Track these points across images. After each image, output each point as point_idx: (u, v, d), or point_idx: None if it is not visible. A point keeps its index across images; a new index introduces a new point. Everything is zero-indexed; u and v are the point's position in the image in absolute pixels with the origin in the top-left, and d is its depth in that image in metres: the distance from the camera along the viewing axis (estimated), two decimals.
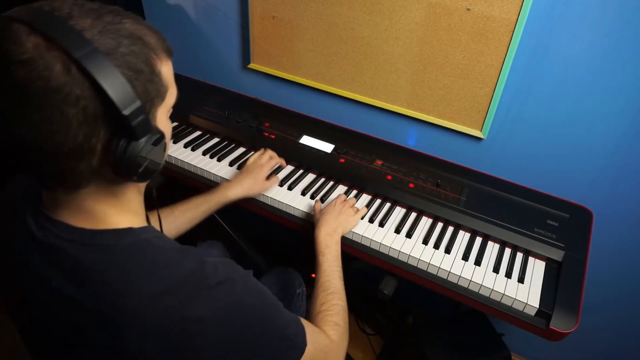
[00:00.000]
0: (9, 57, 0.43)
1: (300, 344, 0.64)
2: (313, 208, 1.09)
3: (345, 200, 1.07)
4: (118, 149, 0.49)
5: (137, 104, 0.48)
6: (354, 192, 1.19)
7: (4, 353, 1.62)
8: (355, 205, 1.10)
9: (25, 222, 0.56)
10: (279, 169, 1.24)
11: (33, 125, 0.44)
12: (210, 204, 1.04)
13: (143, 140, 0.50)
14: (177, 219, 0.99)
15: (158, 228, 0.91)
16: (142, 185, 0.62)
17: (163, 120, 0.57)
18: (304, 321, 0.68)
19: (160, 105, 0.55)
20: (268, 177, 1.15)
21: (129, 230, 0.56)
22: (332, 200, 1.07)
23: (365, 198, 1.17)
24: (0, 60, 0.43)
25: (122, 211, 0.57)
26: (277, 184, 1.18)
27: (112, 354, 0.53)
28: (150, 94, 0.51)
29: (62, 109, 0.44)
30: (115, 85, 0.45)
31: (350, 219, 1.03)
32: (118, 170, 0.51)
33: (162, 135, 0.54)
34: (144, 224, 0.60)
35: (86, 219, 0.55)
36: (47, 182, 0.52)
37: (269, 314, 0.61)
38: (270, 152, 1.20)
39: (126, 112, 0.47)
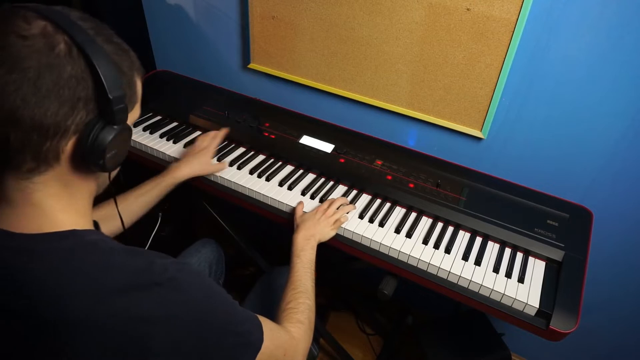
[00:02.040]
0: (15, 31, 0.47)
1: (255, 341, 0.64)
2: (295, 209, 1.10)
3: (326, 210, 1.07)
4: (93, 131, 0.52)
5: (121, 92, 0.52)
6: (354, 192, 1.19)
7: None
8: (343, 209, 1.09)
9: None
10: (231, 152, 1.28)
11: (19, 95, 0.46)
12: (162, 187, 1.07)
13: (118, 127, 0.54)
14: (132, 205, 1.01)
15: (114, 218, 0.90)
16: (95, 188, 0.62)
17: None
18: (262, 319, 0.68)
19: (131, 112, 0.58)
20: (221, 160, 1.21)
21: (72, 232, 0.54)
22: (314, 209, 1.08)
23: (365, 198, 1.17)
24: (4, 33, 0.47)
25: (69, 209, 0.56)
26: (271, 181, 1.19)
27: None
28: (128, 95, 0.55)
29: (52, 84, 0.47)
30: (107, 71, 0.50)
31: (327, 230, 1.04)
32: (85, 154, 0.53)
33: (130, 131, 0.58)
34: (88, 226, 0.59)
35: (29, 218, 0.53)
36: (9, 159, 0.50)
37: (220, 312, 0.61)
38: (213, 133, 1.24)
39: (112, 95, 0.51)
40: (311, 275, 0.93)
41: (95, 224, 0.66)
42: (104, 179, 0.63)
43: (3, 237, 0.52)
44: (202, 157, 1.15)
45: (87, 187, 0.59)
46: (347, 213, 1.09)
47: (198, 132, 1.37)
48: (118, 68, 0.53)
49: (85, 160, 0.54)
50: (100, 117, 0.52)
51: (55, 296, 0.50)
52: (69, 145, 0.52)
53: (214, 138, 1.23)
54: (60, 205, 0.55)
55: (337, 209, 1.08)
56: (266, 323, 0.68)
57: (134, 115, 0.60)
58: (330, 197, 1.15)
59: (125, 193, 1.02)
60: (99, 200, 0.93)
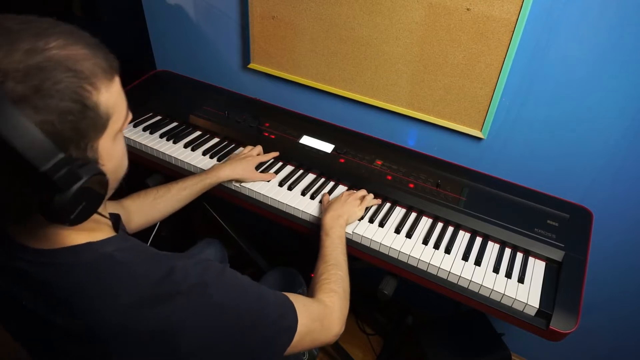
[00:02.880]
0: None
1: (289, 324, 0.65)
2: (322, 198, 1.13)
3: (352, 192, 1.11)
4: (42, 203, 0.44)
5: (59, 156, 0.42)
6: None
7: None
8: (364, 197, 1.12)
9: None
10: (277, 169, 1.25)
11: None
12: (204, 184, 1.08)
13: (73, 189, 0.44)
14: (174, 197, 1.03)
15: (152, 208, 0.94)
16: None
17: (107, 148, 0.50)
18: (293, 296, 0.68)
19: (101, 137, 0.49)
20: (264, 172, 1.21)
21: (87, 245, 0.53)
22: (340, 193, 1.11)
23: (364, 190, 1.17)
24: None
25: (78, 229, 0.53)
26: (271, 181, 1.19)
27: None
28: (83, 132, 0.45)
29: None
30: (27, 141, 0.39)
31: (356, 209, 1.06)
32: (50, 219, 0.46)
33: (98, 171, 0.47)
34: (106, 233, 0.57)
35: (41, 241, 0.52)
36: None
37: (249, 309, 0.60)
38: (258, 149, 1.25)
39: (45, 168, 0.41)
40: (342, 249, 0.93)
41: (116, 217, 0.65)
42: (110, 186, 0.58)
43: (21, 251, 0.52)
44: (247, 164, 1.16)
45: None
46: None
47: (198, 132, 1.37)
48: (50, 122, 0.41)
49: (58, 222, 0.48)
50: (43, 189, 0.43)
51: (81, 310, 0.50)
52: (36, 202, 0.45)
53: (263, 154, 1.23)
54: (66, 230, 0.53)
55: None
56: (297, 300, 0.69)
57: (114, 126, 0.50)
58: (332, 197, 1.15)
59: (168, 185, 1.04)
60: (136, 190, 0.97)
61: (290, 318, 0.65)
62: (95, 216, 0.53)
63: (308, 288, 0.86)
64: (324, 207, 1.08)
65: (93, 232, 0.56)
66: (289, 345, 0.64)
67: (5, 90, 0.38)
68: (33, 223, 0.51)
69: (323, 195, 1.13)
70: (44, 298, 0.52)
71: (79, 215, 0.48)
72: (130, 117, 0.54)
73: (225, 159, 1.23)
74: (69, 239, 0.53)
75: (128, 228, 0.86)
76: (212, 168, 1.13)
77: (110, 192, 0.56)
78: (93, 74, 0.45)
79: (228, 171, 1.12)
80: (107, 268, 0.53)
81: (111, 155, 0.52)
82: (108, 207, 0.62)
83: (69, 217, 0.46)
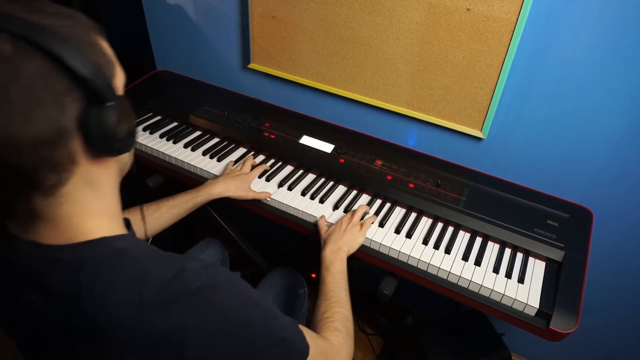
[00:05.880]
0: None
1: (300, 346, 0.63)
2: (318, 224, 1.09)
3: (350, 218, 1.06)
4: (91, 118, 0.47)
5: (94, 65, 0.46)
6: (354, 192, 1.19)
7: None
8: (366, 217, 1.09)
9: None
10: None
11: (6, 123, 0.42)
12: (197, 201, 1.06)
13: (113, 102, 0.49)
14: (164, 215, 1.01)
15: (140, 226, 0.92)
16: (118, 176, 0.58)
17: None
18: (301, 326, 0.67)
19: (114, 79, 0.52)
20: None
21: (102, 240, 0.53)
22: (338, 220, 1.07)
23: (365, 198, 1.17)
24: None
25: (98, 213, 0.54)
26: (271, 181, 1.19)
27: None
28: (101, 63, 0.49)
29: (25, 92, 0.42)
30: (67, 51, 0.44)
31: (356, 237, 1.02)
32: (99, 145, 0.49)
33: (127, 99, 0.52)
34: (119, 229, 0.58)
35: (57, 232, 0.52)
36: (30, 181, 0.47)
37: (259, 318, 0.58)
38: (252, 161, 1.22)
39: (87, 75, 0.45)
40: (344, 286, 0.90)
41: (127, 221, 0.65)
42: (125, 161, 0.60)
43: (33, 249, 0.52)
44: (240, 182, 1.14)
45: (110, 178, 0.56)
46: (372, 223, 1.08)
47: (198, 132, 1.37)
48: (75, 40, 0.46)
49: (101, 150, 0.50)
50: (90, 101, 0.47)
51: (91, 309, 0.50)
52: (77, 143, 0.48)
53: (257, 168, 1.21)
54: (88, 211, 0.53)
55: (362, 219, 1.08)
56: (306, 330, 0.67)
57: (119, 80, 0.53)
58: (352, 208, 1.12)
59: (158, 202, 1.02)
60: (128, 206, 0.94)
61: (300, 341, 0.63)
62: (110, 209, 0.56)
63: (310, 323, 0.83)
64: (322, 238, 1.04)
65: (110, 221, 0.56)
66: None
67: (26, 14, 0.44)
68: (61, 200, 0.50)
69: (320, 219, 1.09)
70: (53, 296, 0.51)
71: (125, 138, 0.51)
72: (123, 77, 0.56)
73: (219, 175, 1.20)
74: (87, 228, 0.53)
75: None
76: (205, 185, 1.10)
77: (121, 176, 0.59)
78: (89, 25, 0.50)
79: (221, 188, 1.10)
80: (121, 264, 0.52)
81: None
82: None
83: (117, 137, 0.50)
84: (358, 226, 1.04)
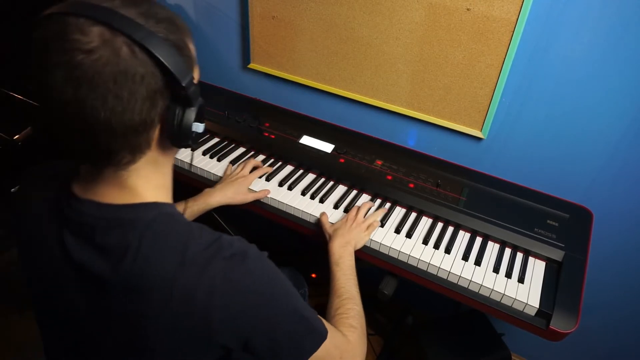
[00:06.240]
0: (78, 47, 0.46)
1: (320, 329, 0.64)
2: (320, 220, 1.08)
3: (355, 217, 1.06)
4: (176, 117, 0.55)
5: (190, 74, 0.54)
6: (354, 192, 1.19)
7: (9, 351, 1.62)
8: (369, 214, 1.09)
9: (56, 204, 0.60)
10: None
11: (107, 108, 0.48)
12: (193, 211, 1.05)
13: (195, 107, 0.56)
14: None
15: None
16: (174, 160, 0.67)
17: None
18: (319, 316, 0.68)
19: (194, 76, 0.59)
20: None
21: (155, 204, 0.59)
22: (343, 218, 1.07)
23: (365, 198, 1.17)
24: (69, 51, 0.46)
25: (155, 186, 0.61)
26: (271, 181, 1.18)
27: (134, 324, 0.56)
28: (191, 66, 0.57)
29: (130, 88, 0.49)
30: (173, 61, 0.51)
31: (362, 235, 1.03)
32: (175, 137, 0.56)
33: (204, 107, 0.61)
34: (169, 200, 0.64)
35: (118, 194, 0.58)
36: (110, 158, 0.54)
37: (285, 292, 0.62)
38: (253, 162, 1.21)
39: (184, 82, 0.53)
40: (354, 282, 0.90)
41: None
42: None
43: (92, 207, 0.57)
44: (238, 186, 1.13)
45: (171, 160, 0.64)
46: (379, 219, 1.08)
47: None
48: (177, 47, 0.53)
49: (174, 142, 0.58)
50: (176, 100, 0.55)
51: (139, 262, 0.54)
52: (156, 133, 0.56)
53: (257, 170, 1.20)
54: (148, 184, 0.60)
55: (366, 215, 1.08)
56: (323, 321, 0.68)
57: (196, 74, 0.61)
58: (355, 205, 1.12)
59: None
60: None
61: (320, 325, 0.65)
62: (165, 184, 0.63)
63: None
64: (327, 233, 1.04)
65: (164, 192, 0.63)
66: (312, 354, 0.62)
67: (142, 20, 0.51)
68: (130, 172, 0.57)
69: (322, 215, 1.09)
70: (102, 251, 0.56)
71: (197, 135, 0.59)
72: (199, 74, 0.62)
73: (220, 177, 1.20)
74: (144, 195, 0.59)
75: None
76: (203, 194, 1.09)
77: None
78: (184, 28, 0.57)
79: (218, 197, 1.09)
80: (169, 225, 0.58)
81: None
82: None
83: (191, 134, 0.57)
84: (363, 225, 1.04)
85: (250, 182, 1.16)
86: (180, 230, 0.58)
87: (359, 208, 1.08)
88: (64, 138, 0.52)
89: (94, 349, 0.62)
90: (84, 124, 0.49)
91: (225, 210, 1.22)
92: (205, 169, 1.23)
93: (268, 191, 1.15)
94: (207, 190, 1.11)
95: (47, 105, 0.49)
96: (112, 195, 0.58)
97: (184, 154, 1.27)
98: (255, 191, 1.14)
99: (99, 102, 0.48)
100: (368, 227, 1.04)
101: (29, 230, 0.64)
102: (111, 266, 0.55)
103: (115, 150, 0.53)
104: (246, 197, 1.13)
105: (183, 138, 0.57)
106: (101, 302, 0.58)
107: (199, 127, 0.59)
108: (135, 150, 0.55)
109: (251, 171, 1.19)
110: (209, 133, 1.37)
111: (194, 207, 1.05)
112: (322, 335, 0.64)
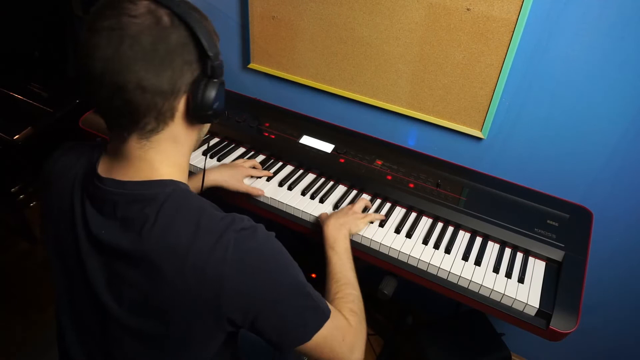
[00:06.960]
0: (126, 13, 0.54)
1: (324, 307, 0.66)
2: (319, 217, 1.08)
3: (352, 205, 1.07)
4: (200, 87, 0.60)
5: (217, 49, 0.60)
6: (354, 192, 1.19)
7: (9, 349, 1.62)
8: (368, 212, 1.09)
9: (81, 182, 0.66)
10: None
11: (143, 68, 0.54)
12: (194, 185, 1.05)
13: (218, 80, 0.61)
14: None
15: None
16: (195, 143, 0.70)
17: None
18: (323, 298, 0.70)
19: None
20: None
21: (171, 181, 0.64)
22: (341, 208, 1.08)
23: (365, 198, 1.17)
24: (117, 16, 0.54)
25: (173, 163, 0.65)
26: (271, 181, 1.19)
27: (150, 293, 0.59)
28: (218, 47, 0.62)
29: (165, 53, 0.55)
30: (204, 34, 0.58)
31: (358, 221, 1.02)
32: (198, 110, 0.61)
33: (224, 85, 0.65)
34: (185, 179, 0.68)
35: (139, 170, 0.63)
36: (138, 121, 0.59)
37: (291, 267, 0.64)
38: (254, 162, 1.22)
39: (211, 54, 0.59)
40: (350, 265, 0.89)
41: None
42: (203, 131, 0.71)
43: (114, 185, 0.62)
44: (235, 171, 1.14)
45: (190, 142, 0.68)
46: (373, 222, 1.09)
47: None
48: (209, 30, 0.60)
49: (196, 114, 0.62)
50: (203, 74, 0.60)
51: (156, 234, 0.58)
52: (181, 104, 0.61)
53: (256, 170, 1.21)
54: (167, 160, 0.64)
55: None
56: (326, 302, 0.70)
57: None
58: (330, 197, 1.14)
59: None
60: None
61: (324, 304, 0.67)
62: (182, 164, 0.68)
63: None
64: (321, 219, 1.04)
65: (180, 171, 0.67)
66: (316, 332, 0.64)
67: (204, 22, 0.61)
68: (153, 144, 0.62)
69: (321, 213, 1.08)
70: (122, 224, 0.60)
71: (216, 111, 0.63)
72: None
73: (220, 162, 1.21)
74: (162, 172, 0.64)
75: None
76: (198, 173, 1.11)
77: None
78: (214, 30, 0.65)
79: (214, 175, 1.10)
80: (184, 200, 0.62)
81: None
82: None
83: (213, 106, 0.61)
84: (360, 214, 1.05)
85: (247, 174, 1.17)
86: (195, 205, 0.62)
87: (357, 201, 1.10)
88: (100, 96, 0.56)
89: (107, 317, 0.64)
90: (120, 80, 0.54)
91: (226, 210, 1.22)
92: (205, 169, 1.23)
93: (262, 192, 1.14)
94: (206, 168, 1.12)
95: (91, 63, 0.54)
96: (132, 172, 0.63)
97: None
98: (249, 186, 1.15)
99: (136, 61, 0.53)
100: (365, 216, 1.05)
101: (58, 205, 0.68)
102: (130, 237, 0.59)
103: (143, 112, 0.57)
104: (240, 186, 1.13)
105: (203, 111, 0.61)
106: (119, 272, 0.61)
107: (219, 104, 0.63)
108: (159, 118, 0.59)
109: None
110: (208, 133, 1.37)
111: (193, 181, 1.06)
112: (325, 314, 0.66)
